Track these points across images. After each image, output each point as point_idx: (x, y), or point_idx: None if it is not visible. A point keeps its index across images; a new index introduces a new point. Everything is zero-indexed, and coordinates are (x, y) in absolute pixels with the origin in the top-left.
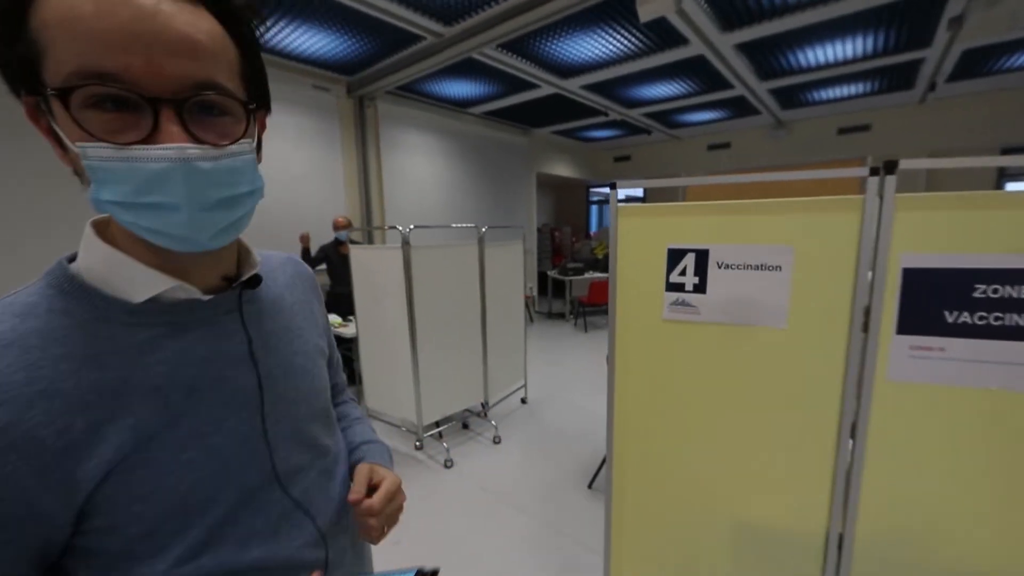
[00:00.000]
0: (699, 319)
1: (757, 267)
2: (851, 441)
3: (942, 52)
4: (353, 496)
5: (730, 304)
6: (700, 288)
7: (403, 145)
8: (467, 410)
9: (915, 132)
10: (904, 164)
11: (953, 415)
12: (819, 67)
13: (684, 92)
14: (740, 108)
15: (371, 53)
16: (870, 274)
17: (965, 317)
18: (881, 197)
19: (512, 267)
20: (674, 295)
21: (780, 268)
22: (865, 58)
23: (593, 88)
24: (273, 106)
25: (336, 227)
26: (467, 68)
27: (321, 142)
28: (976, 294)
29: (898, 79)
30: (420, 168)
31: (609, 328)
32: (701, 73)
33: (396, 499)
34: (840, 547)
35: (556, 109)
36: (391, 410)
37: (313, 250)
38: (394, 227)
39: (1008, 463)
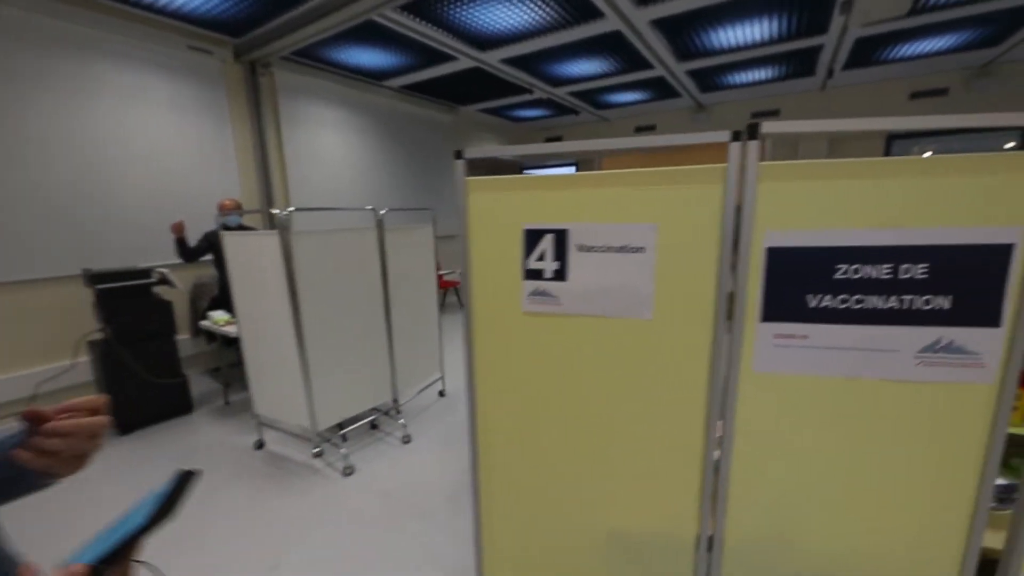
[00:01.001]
0: (561, 311)
1: (620, 249)
2: (718, 439)
3: (837, 39)
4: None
5: (593, 293)
6: (560, 275)
7: (308, 119)
8: (375, 409)
9: (817, 117)
10: (766, 128)
11: (820, 407)
12: (731, 49)
13: (606, 71)
14: (662, 90)
15: (255, 10)
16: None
17: (827, 301)
18: (744, 166)
19: (422, 252)
20: (533, 284)
21: (644, 250)
22: (771, 42)
23: (514, 63)
24: (139, 68)
25: (222, 211)
26: (373, 34)
27: (204, 113)
28: (838, 275)
29: (801, 65)
30: (330, 146)
31: (464, 325)
32: (620, 51)
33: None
34: (710, 549)
35: (479, 85)
36: (284, 416)
37: (194, 239)
38: (272, 210)
39: (873, 456)
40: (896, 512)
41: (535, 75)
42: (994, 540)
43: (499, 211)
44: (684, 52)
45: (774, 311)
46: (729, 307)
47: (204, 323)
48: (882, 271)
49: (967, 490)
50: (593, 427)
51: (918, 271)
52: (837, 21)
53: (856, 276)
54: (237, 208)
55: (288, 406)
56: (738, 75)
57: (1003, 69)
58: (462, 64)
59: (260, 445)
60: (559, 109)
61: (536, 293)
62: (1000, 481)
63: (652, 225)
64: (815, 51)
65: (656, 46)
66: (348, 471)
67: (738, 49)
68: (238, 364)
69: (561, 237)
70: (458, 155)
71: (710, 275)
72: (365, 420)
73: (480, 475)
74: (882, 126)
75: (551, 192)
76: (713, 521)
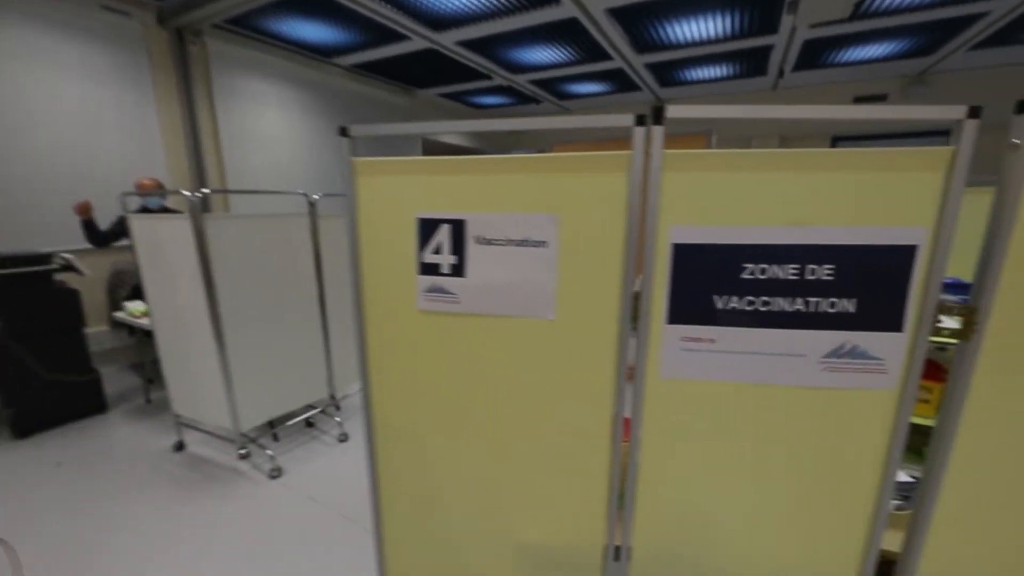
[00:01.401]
0: (459, 309)
1: (520, 243)
2: (623, 447)
3: (787, 39)
4: None
5: (493, 291)
6: (458, 271)
7: (247, 96)
8: (311, 406)
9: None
10: (671, 112)
11: (727, 414)
12: (687, 44)
13: (565, 60)
14: (622, 83)
15: None
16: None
17: (734, 303)
18: (649, 154)
19: None
20: (429, 279)
21: (545, 244)
22: (725, 39)
23: (471, 46)
24: (42, 28)
25: (140, 190)
26: (316, 5)
27: (123, 83)
28: (744, 275)
29: (754, 65)
30: (273, 124)
31: (355, 323)
32: (579, 39)
33: None
34: (617, 559)
35: (436, 68)
36: (205, 416)
37: (106, 222)
38: (182, 191)
39: (779, 462)
40: (800, 518)
41: (494, 60)
42: (894, 542)
43: (391, 197)
44: (642, 44)
45: (680, 313)
46: (635, 308)
47: (119, 314)
48: (788, 272)
49: (868, 495)
50: (496, 434)
51: (824, 272)
52: (786, 21)
53: (763, 277)
54: (159, 188)
55: (208, 405)
56: (695, 71)
57: (935, 78)
58: (416, 44)
59: (180, 447)
60: (520, 98)
61: (433, 289)
62: (905, 477)
63: (553, 216)
64: (767, 51)
65: (613, 36)
66: (275, 473)
67: (694, 44)
68: (151, 362)
69: (458, 228)
70: (343, 132)
71: (615, 272)
72: (300, 418)
73: (380, 483)
74: (786, 114)
75: (447, 177)
76: (621, 531)
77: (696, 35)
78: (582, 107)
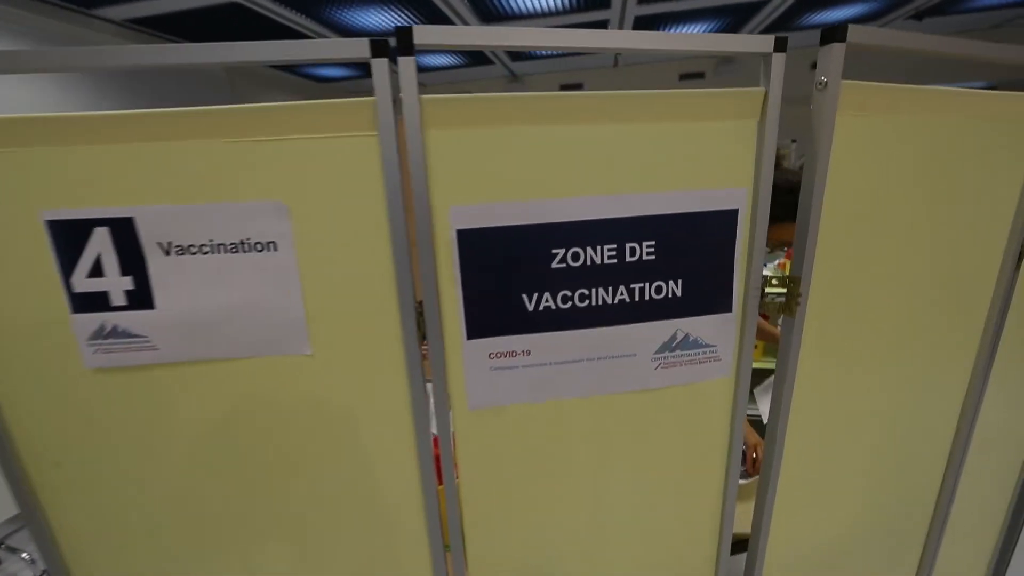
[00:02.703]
0: (158, 358)
1: (235, 247)
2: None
3: (620, 15)
4: None
5: (206, 325)
6: (142, 298)
7: None
8: None
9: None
10: (422, 36)
11: (558, 438)
12: (530, 15)
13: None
14: (474, 55)
15: None
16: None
17: (548, 300)
18: (400, 101)
19: None
20: (94, 319)
21: (275, 246)
22: (565, 11)
23: (289, 3)
24: None
25: None
26: None
27: None
28: (556, 264)
29: None
30: (9, 102)
31: None
32: (417, 2)
33: None
34: None
35: (251, 30)
36: None
37: None
38: None
39: (624, 478)
40: (656, 526)
41: (322, 22)
42: (744, 524)
43: None
44: (485, 13)
45: (483, 323)
46: (420, 322)
47: None
48: (606, 254)
49: (718, 486)
50: (272, 522)
51: (645, 251)
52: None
53: (576, 263)
54: None
55: None
56: None
57: (740, 57)
58: None
59: None
60: (366, 70)
61: (104, 335)
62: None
63: (277, 204)
64: (604, 25)
65: (453, 1)
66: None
67: (537, 15)
68: None
69: (125, 231)
70: None
71: (386, 278)
72: None
73: None
74: (577, 42)
75: (90, 148)
76: None
77: (536, 6)
78: (435, 80)
